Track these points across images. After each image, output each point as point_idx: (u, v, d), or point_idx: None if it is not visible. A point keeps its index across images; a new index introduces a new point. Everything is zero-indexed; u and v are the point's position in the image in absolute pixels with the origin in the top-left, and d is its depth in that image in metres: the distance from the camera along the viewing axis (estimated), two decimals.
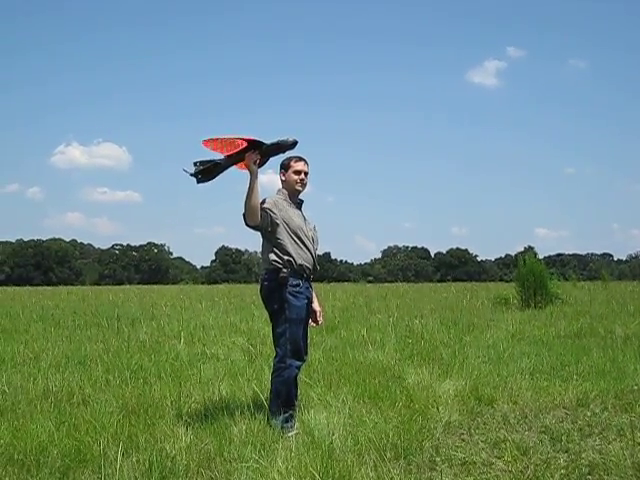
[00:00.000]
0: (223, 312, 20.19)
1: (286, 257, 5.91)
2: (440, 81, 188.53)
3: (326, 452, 4.86)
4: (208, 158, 5.82)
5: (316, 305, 6.36)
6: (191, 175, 5.78)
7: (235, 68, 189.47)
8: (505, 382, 7.52)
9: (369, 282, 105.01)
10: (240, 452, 5.07)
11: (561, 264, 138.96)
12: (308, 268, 6.09)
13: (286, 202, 6.09)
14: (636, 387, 7.20)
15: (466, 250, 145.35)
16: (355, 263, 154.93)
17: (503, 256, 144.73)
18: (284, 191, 6.18)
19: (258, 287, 6.22)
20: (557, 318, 15.97)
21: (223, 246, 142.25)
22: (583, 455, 5.03)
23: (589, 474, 4.67)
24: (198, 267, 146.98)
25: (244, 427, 5.66)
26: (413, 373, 8.20)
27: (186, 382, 7.90)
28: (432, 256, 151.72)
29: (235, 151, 5.65)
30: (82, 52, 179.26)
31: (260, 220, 5.81)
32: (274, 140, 5.77)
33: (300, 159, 6.15)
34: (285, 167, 6.15)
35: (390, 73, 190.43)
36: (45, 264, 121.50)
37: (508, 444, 5.27)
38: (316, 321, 6.39)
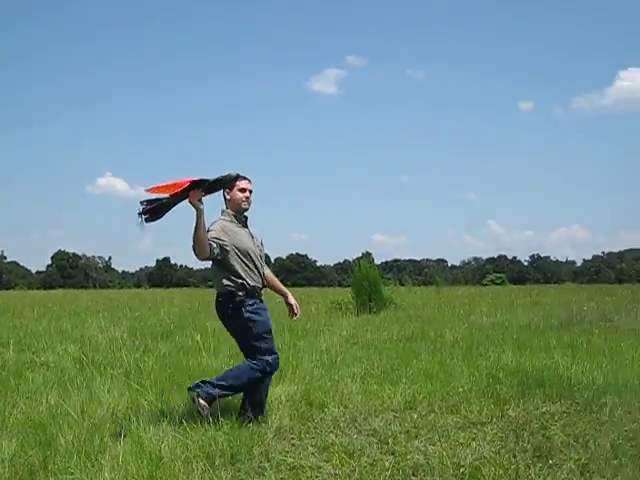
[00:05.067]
0: (55, 318, 19.58)
1: (240, 281, 6.08)
2: (280, 88, 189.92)
3: (154, 461, 4.80)
4: (153, 197, 5.84)
5: (291, 299, 6.68)
6: (138, 214, 5.80)
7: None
8: (336, 386, 7.62)
9: (210, 287, 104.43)
10: (66, 463, 4.93)
11: (398, 269, 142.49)
12: (259, 287, 6.29)
13: (233, 223, 6.21)
14: (461, 389, 7.41)
15: (305, 255, 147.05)
16: (195, 268, 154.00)
17: (342, 261, 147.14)
18: (229, 211, 6.28)
19: (213, 307, 6.36)
20: (390, 322, 16.34)
21: (60, 250, 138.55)
22: (408, 457, 5.14)
23: (413, 475, 4.80)
24: (33, 272, 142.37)
25: (71, 437, 5.52)
26: None
27: (12, 392, 7.62)
28: (272, 261, 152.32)
29: (179, 190, 5.68)
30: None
31: (209, 251, 5.85)
32: (216, 176, 5.85)
33: (244, 177, 6.24)
34: (230, 186, 6.20)
35: (229, 77, 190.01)
36: None
37: (336, 448, 5.35)
38: (294, 314, 6.72)
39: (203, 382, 6.12)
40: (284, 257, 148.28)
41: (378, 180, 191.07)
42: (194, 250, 5.86)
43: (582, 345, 11.20)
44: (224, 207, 6.36)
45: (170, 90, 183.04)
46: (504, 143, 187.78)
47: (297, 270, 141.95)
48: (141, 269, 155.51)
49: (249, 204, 6.33)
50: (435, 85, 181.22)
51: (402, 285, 45.85)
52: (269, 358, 6.20)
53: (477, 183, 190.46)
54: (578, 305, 21.48)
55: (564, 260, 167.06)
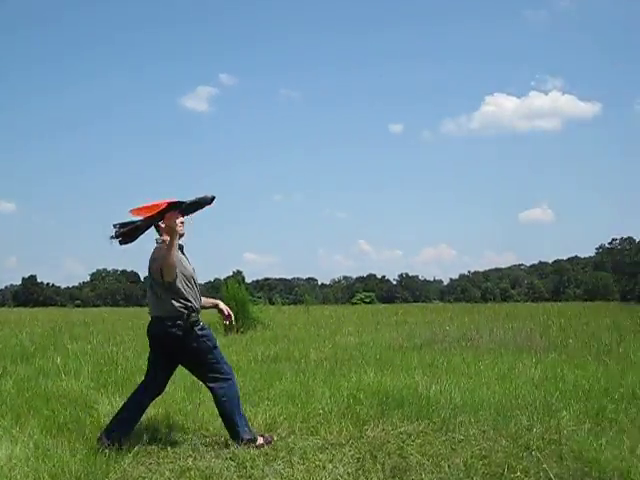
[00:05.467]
0: None
1: (189, 304, 6.23)
2: (154, 105, 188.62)
3: None
4: (127, 220, 6.07)
5: (222, 305, 6.88)
6: (112, 238, 6.01)
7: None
8: (197, 409, 7.54)
9: (77, 306, 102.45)
10: None
11: (269, 288, 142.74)
12: (199, 309, 6.44)
13: (177, 251, 6.23)
14: (322, 410, 7.44)
15: None
16: (63, 286, 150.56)
17: (212, 280, 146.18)
18: (166, 238, 6.21)
19: (157, 333, 6.36)
20: (256, 343, 16.32)
21: None
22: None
23: None
24: None
25: None
26: (107, 402, 8.04)
27: None
28: (142, 280, 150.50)
29: (155, 212, 5.92)
30: None
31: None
32: (193, 198, 6.04)
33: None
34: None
35: (103, 94, 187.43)
36: None
37: (194, 472, 5.34)
38: (228, 316, 6.85)
39: (235, 439, 6.23)
40: None
41: (250, 199, 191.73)
42: (164, 271, 6.04)
43: (442, 365, 11.46)
44: (157, 237, 6.40)
45: (40, 104, 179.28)
46: (375, 164, 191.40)
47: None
48: (6, 287, 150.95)
49: (184, 230, 6.41)
50: (308, 105, 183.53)
51: (272, 304, 45.86)
52: (225, 366, 6.44)
53: (348, 203, 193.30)
54: (442, 324, 21.96)
55: (432, 279, 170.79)
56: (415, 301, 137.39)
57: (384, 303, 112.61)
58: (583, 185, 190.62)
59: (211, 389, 6.40)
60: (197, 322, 6.28)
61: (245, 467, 5.51)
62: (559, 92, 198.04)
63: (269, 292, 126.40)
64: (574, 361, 11.91)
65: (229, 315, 6.84)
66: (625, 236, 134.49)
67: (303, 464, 5.54)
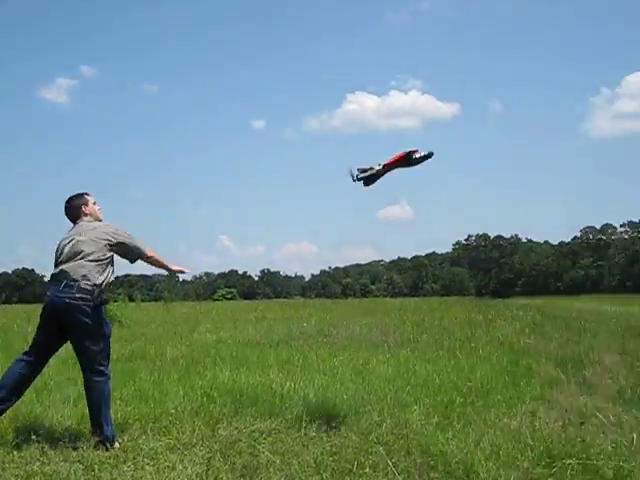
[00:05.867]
0: None
1: (110, 281, 6.36)
2: (9, 96, 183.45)
3: None
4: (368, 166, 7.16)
5: None
6: (354, 180, 7.09)
7: None
8: (47, 411, 7.37)
9: None
10: None
11: (129, 284, 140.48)
12: None
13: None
14: (174, 410, 7.38)
15: (32, 270, 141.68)
16: None
17: None
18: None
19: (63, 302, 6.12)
20: (112, 341, 15.98)
21: None
22: None
23: None
24: None
25: None
26: None
27: None
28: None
29: (392, 161, 7.04)
30: None
31: None
32: (421, 154, 7.02)
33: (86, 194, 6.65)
34: (84, 202, 6.55)
35: None
36: None
37: (39, 477, 5.21)
38: None
39: (96, 429, 6.12)
40: (10, 272, 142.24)
41: (109, 193, 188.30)
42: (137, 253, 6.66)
43: (298, 361, 11.54)
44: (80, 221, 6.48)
45: None
46: (238, 160, 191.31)
47: (24, 285, 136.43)
48: None
49: (102, 215, 6.69)
50: (170, 100, 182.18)
51: (132, 301, 45.16)
52: (108, 361, 6.50)
53: (210, 199, 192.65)
54: (300, 321, 22.15)
55: (293, 275, 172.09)
56: (277, 297, 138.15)
57: (246, 299, 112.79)
58: (441, 183, 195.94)
59: (87, 379, 6.29)
60: (106, 301, 6.41)
61: (93, 470, 5.40)
62: (419, 92, 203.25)
63: (129, 289, 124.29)
64: (426, 356, 12.25)
65: None
66: (480, 233, 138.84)
67: (152, 465, 5.49)
